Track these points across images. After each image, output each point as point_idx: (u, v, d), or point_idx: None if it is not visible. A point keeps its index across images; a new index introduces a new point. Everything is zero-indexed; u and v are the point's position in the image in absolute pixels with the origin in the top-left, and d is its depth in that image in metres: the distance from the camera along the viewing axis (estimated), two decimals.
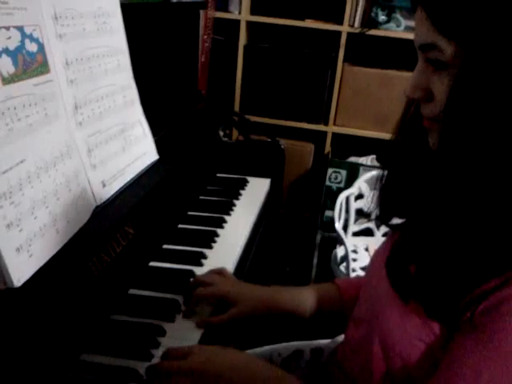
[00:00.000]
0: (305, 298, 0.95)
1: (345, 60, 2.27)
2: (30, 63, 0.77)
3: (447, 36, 0.58)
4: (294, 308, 0.93)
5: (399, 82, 2.23)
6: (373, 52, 2.35)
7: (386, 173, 0.81)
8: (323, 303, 0.95)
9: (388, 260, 0.75)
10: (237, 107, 2.38)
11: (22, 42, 0.75)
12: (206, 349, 0.76)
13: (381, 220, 0.83)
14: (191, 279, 0.98)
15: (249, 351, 1.08)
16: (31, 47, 0.78)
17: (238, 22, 2.33)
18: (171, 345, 0.82)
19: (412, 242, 0.73)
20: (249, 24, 2.35)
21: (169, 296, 0.93)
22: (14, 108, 0.72)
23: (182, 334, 0.85)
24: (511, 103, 0.56)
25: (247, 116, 1.86)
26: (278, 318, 0.93)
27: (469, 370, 0.59)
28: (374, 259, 0.88)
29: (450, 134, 0.61)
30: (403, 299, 0.69)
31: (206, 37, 2.11)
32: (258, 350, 1.08)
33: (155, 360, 0.78)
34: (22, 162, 0.72)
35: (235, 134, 2.22)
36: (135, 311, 0.88)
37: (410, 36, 2.32)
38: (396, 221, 0.83)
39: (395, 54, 2.27)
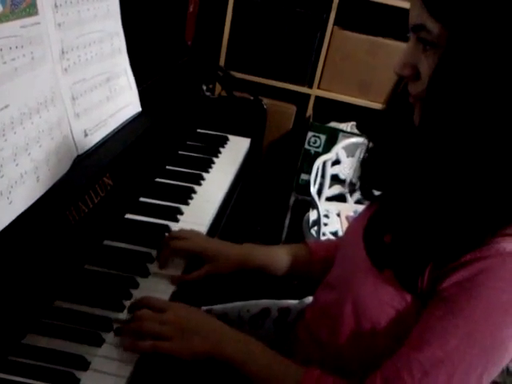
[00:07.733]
0: (278, 256, 0.98)
1: (335, 23, 2.24)
2: (19, 3, 0.74)
3: (435, 17, 0.61)
4: (268, 265, 0.97)
5: (387, 51, 2.22)
6: (364, 18, 2.32)
7: (368, 144, 0.83)
8: (294, 263, 0.98)
9: (366, 230, 0.78)
10: (222, 62, 2.34)
11: None
12: (186, 307, 0.78)
13: (361, 192, 0.85)
14: (166, 234, 0.99)
15: (219, 306, 1.11)
16: None
17: None
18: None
19: (389, 212, 0.76)
20: None
21: (143, 249, 0.94)
22: (1, 50, 0.70)
23: (155, 286, 0.87)
24: (488, 86, 0.60)
25: (231, 72, 1.83)
26: (250, 275, 0.96)
27: (436, 338, 0.63)
28: (350, 228, 0.90)
29: (430, 112, 0.65)
30: (378, 268, 0.72)
31: None
32: (229, 305, 1.11)
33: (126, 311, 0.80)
34: (6, 107, 0.70)
35: (218, 89, 2.19)
36: (109, 262, 0.89)
37: (402, 4, 2.28)
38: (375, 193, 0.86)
39: (386, 22, 2.25)
